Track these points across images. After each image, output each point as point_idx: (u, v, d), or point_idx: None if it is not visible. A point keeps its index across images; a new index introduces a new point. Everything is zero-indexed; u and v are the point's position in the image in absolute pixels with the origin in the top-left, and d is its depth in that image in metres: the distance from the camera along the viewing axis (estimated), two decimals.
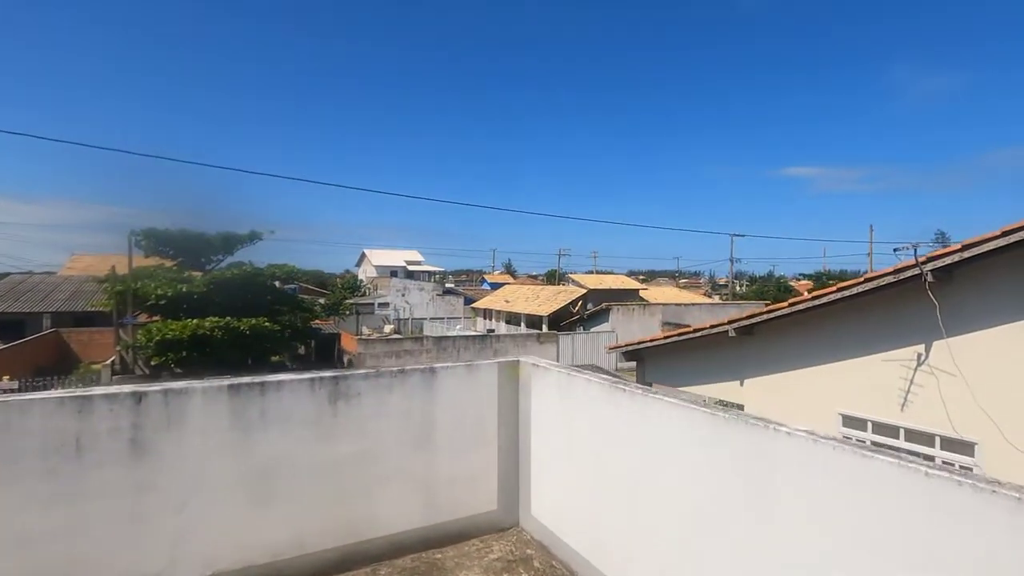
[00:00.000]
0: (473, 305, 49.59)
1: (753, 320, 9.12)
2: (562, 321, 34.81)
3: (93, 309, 30.59)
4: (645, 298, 42.65)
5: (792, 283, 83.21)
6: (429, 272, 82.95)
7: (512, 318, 40.89)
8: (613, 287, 45.60)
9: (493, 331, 37.08)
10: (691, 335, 10.49)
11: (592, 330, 32.41)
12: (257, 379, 3.30)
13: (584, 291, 39.89)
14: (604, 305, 33.08)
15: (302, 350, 29.04)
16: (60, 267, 41.94)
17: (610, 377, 3.43)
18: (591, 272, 72.15)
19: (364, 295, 57.22)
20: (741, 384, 10.19)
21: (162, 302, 19.73)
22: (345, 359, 27.43)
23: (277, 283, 24.96)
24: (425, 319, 46.23)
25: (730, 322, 9.65)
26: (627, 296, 41.72)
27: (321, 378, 3.44)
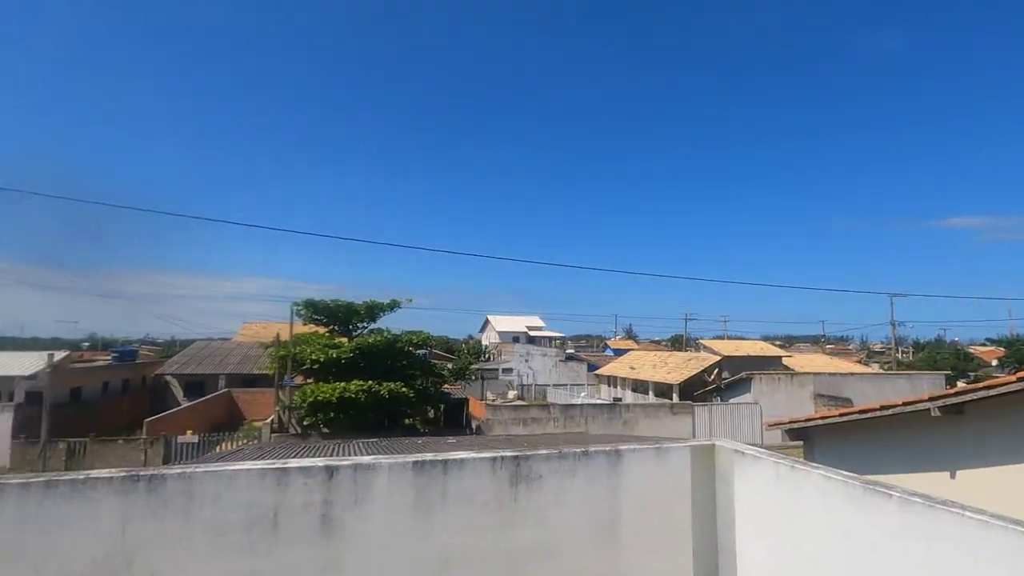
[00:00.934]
0: (597, 372, 48.29)
1: (967, 397, 7.53)
2: (695, 390, 32.41)
3: (259, 372, 34.38)
4: (789, 366, 38.59)
5: (972, 350, 70.86)
6: (550, 337, 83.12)
7: (639, 386, 38.99)
8: (751, 354, 42.00)
9: (620, 400, 35.47)
10: (877, 413, 8.95)
11: (731, 401, 29.69)
12: (440, 456, 3.13)
13: (718, 358, 37.12)
14: (745, 374, 30.33)
15: (432, 414, 29.89)
16: (234, 334, 48.12)
17: (849, 474, 2.77)
18: (721, 337, 67.53)
19: (488, 360, 58.46)
20: (952, 476, 8.36)
21: (315, 366, 21.52)
22: (473, 424, 27.65)
23: (412, 349, 26.28)
24: (548, 385, 45.76)
25: (931, 398, 8.07)
26: (767, 364, 38.05)
27: (503, 457, 3.18)
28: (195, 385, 35.07)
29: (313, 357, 21.30)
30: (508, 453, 3.23)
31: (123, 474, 2.77)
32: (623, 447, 3.45)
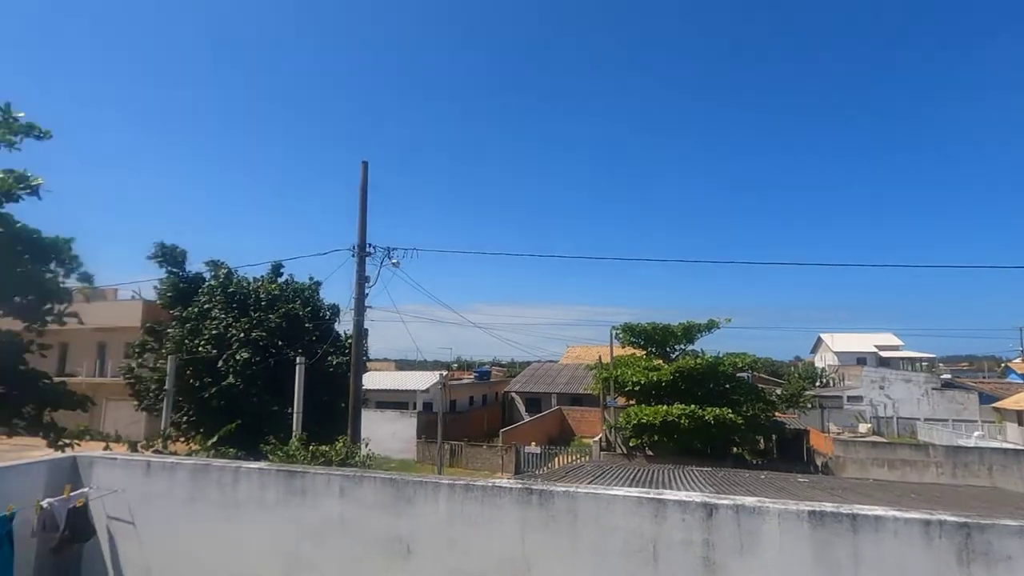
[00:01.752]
0: (996, 405, 36.10)
1: None
2: None
3: (584, 392, 37.18)
4: None
5: None
6: (911, 359, 66.52)
7: None
8: None
9: None
10: None
11: None
12: (844, 509, 2.55)
13: None
14: None
15: (763, 444, 26.99)
16: (560, 356, 53.45)
17: None
18: None
19: (826, 386, 50.09)
20: None
21: (636, 388, 21.97)
22: (818, 461, 23.80)
23: (734, 372, 24.40)
24: (918, 420, 36.42)
25: None
26: None
27: (942, 522, 2.40)
28: (533, 401, 40.05)
29: (634, 379, 21.81)
30: (948, 517, 2.42)
31: (519, 486, 3.08)
32: None
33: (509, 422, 37.78)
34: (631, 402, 23.47)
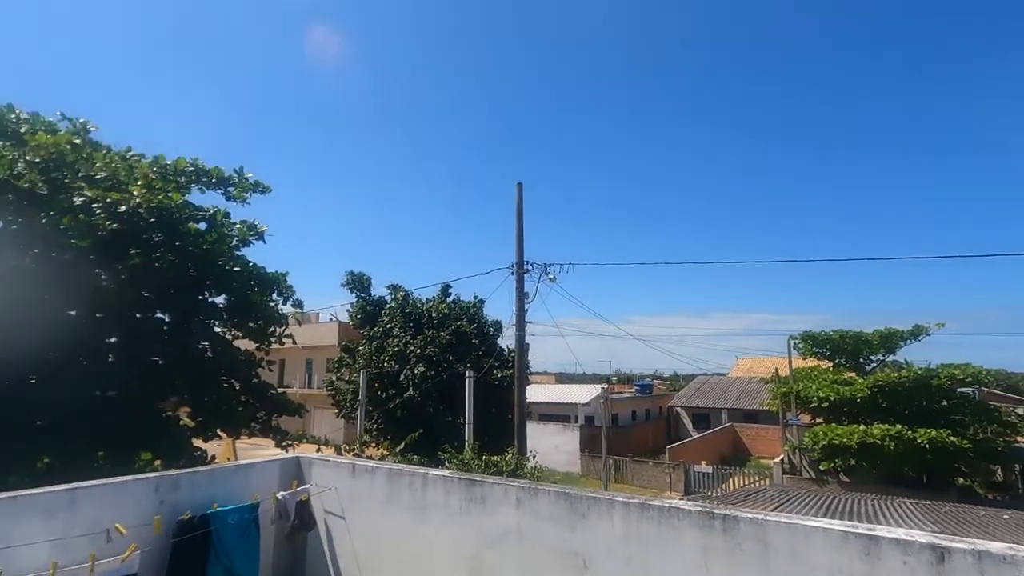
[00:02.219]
0: None
1: None
2: None
3: (759, 408, 34.05)
4: None
5: None
6: None
7: None
8: None
9: None
10: None
11: None
12: None
13: None
14: None
15: (1001, 475, 22.03)
16: (729, 369, 49.69)
17: None
18: None
19: None
20: None
21: (824, 404, 19.50)
22: None
23: (954, 387, 20.39)
24: None
25: None
26: None
27: None
28: (701, 417, 37.71)
29: (820, 395, 19.38)
30: None
31: (699, 508, 2.92)
32: None
33: (675, 438, 36.02)
34: (817, 420, 20.88)
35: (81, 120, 10.92)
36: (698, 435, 32.83)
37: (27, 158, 8.84)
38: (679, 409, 38.85)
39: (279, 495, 4.08)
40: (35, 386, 8.17)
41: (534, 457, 8.87)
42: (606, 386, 32.42)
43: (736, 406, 36.74)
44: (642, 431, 35.32)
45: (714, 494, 21.99)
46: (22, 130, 9.69)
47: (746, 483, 22.44)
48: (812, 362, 24.15)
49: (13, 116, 9.85)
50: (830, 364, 22.80)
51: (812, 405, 20.10)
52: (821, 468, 19.24)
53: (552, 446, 27.32)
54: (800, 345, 22.04)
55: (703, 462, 23.89)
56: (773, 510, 7.44)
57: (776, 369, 23.43)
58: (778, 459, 22.58)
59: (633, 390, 43.14)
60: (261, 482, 4.16)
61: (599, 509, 3.13)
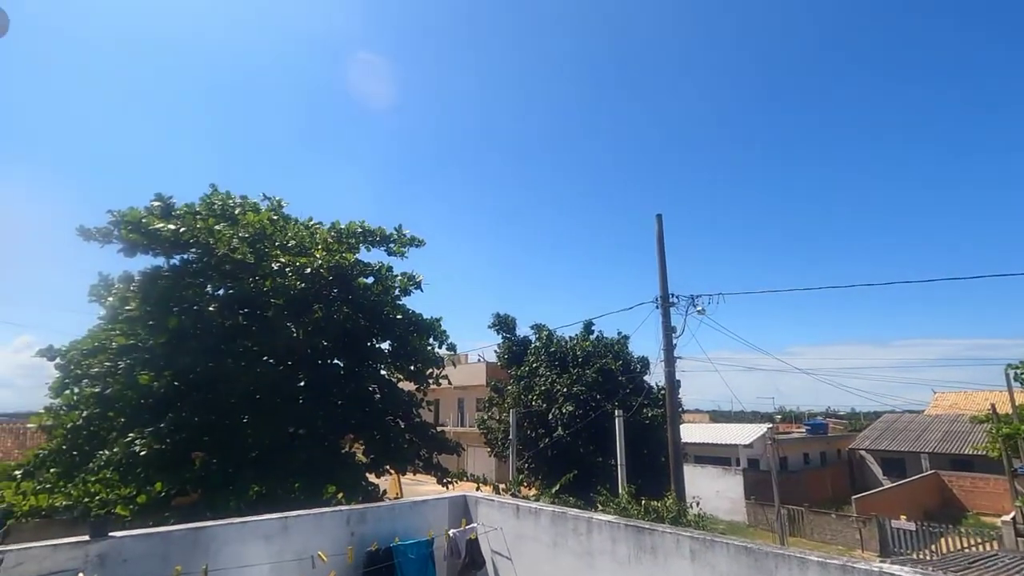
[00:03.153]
0: None
1: None
2: None
3: (972, 453, 28.34)
4: None
5: None
6: None
7: None
8: None
9: None
10: None
11: None
12: None
13: None
14: None
15: None
16: (925, 406, 42.30)
17: None
18: None
19: None
20: None
21: None
22: None
23: None
24: None
25: None
26: None
27: None
28: (893, 462, 32.36)
29: None
30: None
31: (918, 573, 2.48)
32: None
33: (859, 486, 31.24)
34: None
35: (277, 198, 13.06)
36: (891, 484, 28.11)
37: (240, 235, 10.73)
38: (863, 452, 33.72)
39: (451, 532, 4.29)
40: (246, 424, 9.64)
41: (697, 503, 8.25)
42: (771, 425, 29.42)
43: (940, 450, 30.95)
44: (818, 477, 31.20)
45: (922, 556, 18.49)
46: (236, 212, 11.81)
47: (963, 546, 18.52)
48: None
49: (232, 201, 12.07)
50: None
51: None
52: None
53: (713, 491, 25.25)
54: (1022, 375, 18.02)
55: (903, 517, 20.30)
56: None
57: (992, 405, 19.35)
58: (1008, 517, 18.36)
59: (803, 430, 38.55)
60: (434, 519, 4.42)
61: (789, 569, 2.80)
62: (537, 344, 19.21)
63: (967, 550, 18.30)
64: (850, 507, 25.74)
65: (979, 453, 28.60)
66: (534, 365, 18.56)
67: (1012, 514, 18.44)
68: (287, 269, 10.27)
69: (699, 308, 15.14)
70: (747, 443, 29.31)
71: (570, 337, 19.56)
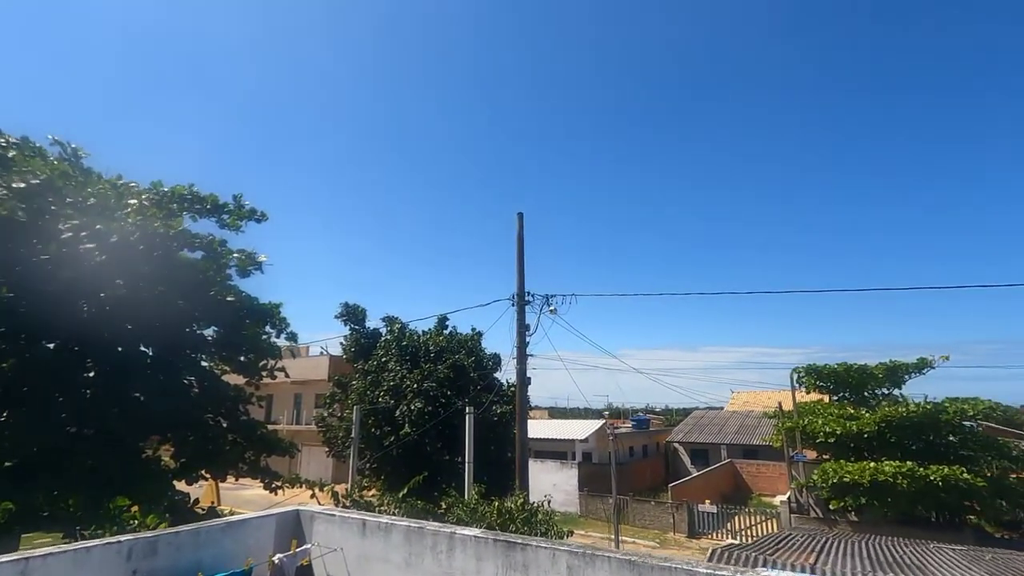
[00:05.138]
0: None
1: None
2: None
3: (759, 443, 33.35)
4: None
5: None
6: None
7: None
8: None
9: None
10: None
11: None
12: None
13: None
14: None
15: (1011, 515, 21.44)
16: (725, 403, 49.05)
17: None
18: None
19: None
20: None
21: (830, 440, 18.96)
22: None
23: (960, 422, 19.98)
24: None
25: None
26: None
27: None
28: (699, 453, 36.85)
29: (827, 429, 18.86)
30: None
31: None
32: None
33: (673, 475, 35.05)
34: (825, 456, 20.28)
35: (73, 145, 10.51)
36: (698, 472, 31.96)
37: (14, 186, 8.37)
38: (676, 444, 37.97)
39: (276, 558, 3.51)
40: (3, 423, 7.49)
41: (548, 502, 8.23)
42: (604, 421, 31.63)
43: (735, 441, 35.99)
44: (640, 468, 34.37)
45: (731, 539, 21.13)
46: (10, 155, 9.24)
47: (751, 523, 21.61)
48: (814, 396, 23.71)
49: (4, 141, 9.40)
50: (828, 398, 22.37)
51: (819, 440, 19.53)
52: (831, 507, 18.56)
53: (550, 484, 26.35)
54: (803, 379, 21.60)
55: (707, 501, 23.07)
56: (814, 562, 6.89)
57: (780, 403, 22.92)
58: (784, 497, 21.84)
59: (629, 425, 42.26)
60: (255, 542, 3.60)
61: None
62: (388, 337, 18.25)
63: (753, 527, 21.40)
64: (666, 494, 28.70)
65: (764, 444, 33.85)
66: (383, 359, 17.58)
67: (787, 494, 21.94)
68: (83, 234, 8.21)
69: (552, 308, 15.53)
70: (583, 438, 31.18)
71: (423, 331, 18.92)
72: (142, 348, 9.74)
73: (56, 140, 10.30)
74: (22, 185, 8.24)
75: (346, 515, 3.80)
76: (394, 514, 7.00)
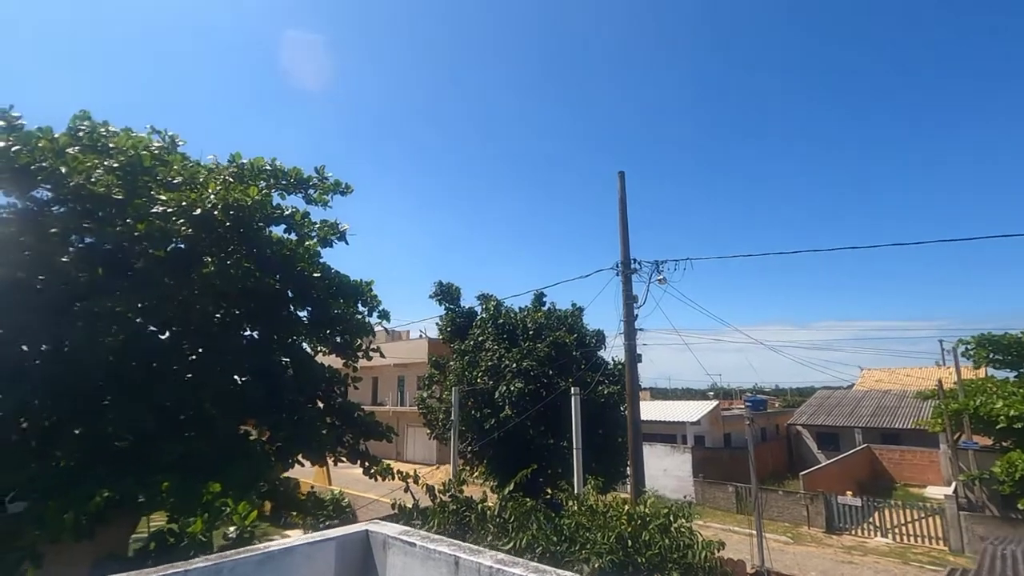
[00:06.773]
0: None
1: None
2: None
3: (903, 427, 29.23)
4: None
5: None
6: None
7: None
8: None
9: None
10: None
11: None
12: None
13: None
14: None
15: None
16: (852, 382, 43.95)
17: None
18: None
19: None
20: None
21: (1016, 425, 15.55)
22: None
23: None
24: None
25: None
26: None
27: None
28: (827, 437, 33.13)
29: (1011, 413, 15.48)
30: None
31: None
32: None
33: (798, 461, 31.81)
34: (1005, 444, 16.79)
35: (170, 134, 10.44)
36: (828, 459, 28.58)
37: (107, 164, 8.23)
38: (799, 428, 34.39)
39: None
40: (108, 406, 7.36)
41: (689, 503, 6.83)
42: (717, 402, 29.15)
43: (871, 424, 31.86)
44: (760, 453, 31.39)
45: (879, 536, 18.29)
46: (111, 145, 9.20)
47: (906, 519, 18.54)
48: (981, 372, 19.89)
49: (103, 131, 9.40)
50: (1014, 374, 18.50)
51: (999, 426, 16.09)
52: (1020, 506, 15.26)
53: (660, 470, 24.63)
54: (972, 352, 17.97)
55: (848, 493, 20.22)
56: None
57: (940, 380, 19.41)
58: (949, 490, 18.50)
59: (743, 406, 38.99)
60: (305, 573, 2.59)
61: None
62: (483, 316, 17.42)
63: (909, 524, 18.35)
64: (789, 482, 25.84)
65: (909, 427, 29.55)
66: (480, 339, 16.79)
67: (952, 487, 18.57)
68: (170, 211, 7.90)
69: (661, 276, 13.81)
70: (694, 420, 28.97)
71: (520, 308, 17.89)
72: (249, 332, 9.49)
73: (154, 129, 10.24)
74: (115, 164, 8.06)
75: (431, 547, 2.66)
76: (499, 514, 5.93)
